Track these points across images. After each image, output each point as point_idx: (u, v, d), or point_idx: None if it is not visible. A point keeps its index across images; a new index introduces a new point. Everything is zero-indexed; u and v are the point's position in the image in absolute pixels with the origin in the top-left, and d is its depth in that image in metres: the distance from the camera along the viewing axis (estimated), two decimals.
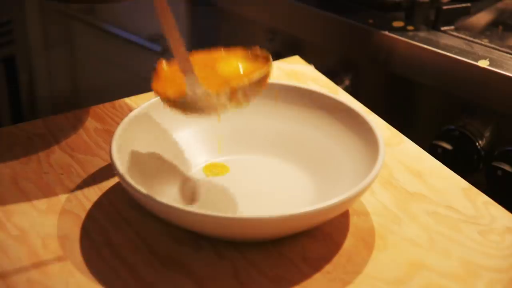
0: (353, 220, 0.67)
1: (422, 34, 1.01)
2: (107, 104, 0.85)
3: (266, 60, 0.66)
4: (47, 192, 0.69)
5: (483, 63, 0.92)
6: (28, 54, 1.57)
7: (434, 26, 1.03)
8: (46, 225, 0.65)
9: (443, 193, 0.71)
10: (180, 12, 1.40)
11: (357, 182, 0.65)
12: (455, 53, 0.95)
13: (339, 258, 0.62)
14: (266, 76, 0.64)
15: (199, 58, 0.67)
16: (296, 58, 0.97)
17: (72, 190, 0.70)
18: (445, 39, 1.00)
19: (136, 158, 0.68)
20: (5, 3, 1.51)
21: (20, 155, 0.75)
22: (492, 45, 0.98)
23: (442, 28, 1.03)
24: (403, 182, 0.72)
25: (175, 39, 0.62)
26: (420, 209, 0.68)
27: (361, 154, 0.69)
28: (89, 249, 0.62)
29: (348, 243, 0.64)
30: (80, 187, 0.70)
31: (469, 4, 1.05)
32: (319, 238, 0.64)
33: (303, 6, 1.11)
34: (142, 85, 1.54)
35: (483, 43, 0.99)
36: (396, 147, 0.78)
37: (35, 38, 1.57)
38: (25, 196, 0.69)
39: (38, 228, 0.65)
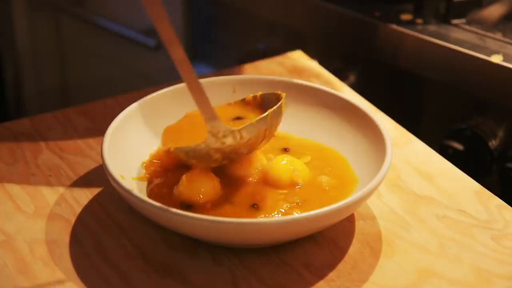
0: (359, 225, 0.67)
1: (431, 27, 1.01)
2: (98, 102, 0.85)
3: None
4: (35, 195, 0.69)
5: (496, 58, 0.93)
6: (14, 49, 1.57)
7: (445, 19, 1.03)
8: (34, 229, 0.65)
9: (454, 196, 0.71)
10: (178, 5, 1.40)
11: (363, 184, 0.65)
12: (466, 48, 0.95)
13: (344, 265, 0.62)
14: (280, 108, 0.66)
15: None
16: (299, 53, 0.97)
17: (61, 193, 0.70)
18: (456, 33, 1.00)
19: (129, 159, 0.69)
20: None
21: (6, 156, 0.75)
22: (506, 39, 0.98)
23: (453, 21, 1.03)
24: (412, 184, 0.72)
25: (196, 86, 0.61)
26: (429, 213, 0.68)
27: (367, 154, 0.69)
28: (79, 255, 0.62)
29: (354, 249, 0.64)
30: (69, 189, 0.70)
31: None
32: (322, 244, 0.64)
33: None
34: (135, 82, 1.54)
35: (496, 37, 0.99)
36: (404, 148, 0.78)
37: (21, 32, 1.57)
38: (11, 199, 0.69)
39: (25, 233, 0.65)
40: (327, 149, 0.73)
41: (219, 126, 0.62)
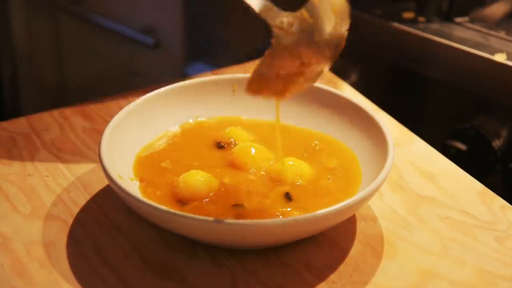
0: (360, 226, 0.67)
1: (434, 25, 1.01)
2: (96, 101, 0.85)
3: None
4: (32, 195, 0.69)
5: (500, 57, 0.93)
6: (12, 47, 1.57)
7: (447, 17, 1.03)
8: (31, 231, 0.65)
9: (457, 196, 0.71)
10: (178, 3, 1.40)
11: (364, 184, 0.65)
12: (469, 46, 0.95)
13: (345, 267, 0.62)
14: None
15: None
16: None
17: (58, 194, 0.70)
18: (459, 31, 1.00)
19: (127, 159, 0.69)
20: None
21: (2, 156, 0.75)
22: (509, 38, 0.98)
23: (456, 20, 1.03)
24: (414, 184, 0.72)
25: None
26: (432, 214, 0.68)
27: (368, 154, 0.69)
28: (76, 256, 0.62)
29: (355, 251, 0.64)
30: (67, 190, 0.70)
31: None
32: (323, 245, 0.64)
33: None
34: (133, 81, 1.54)
35: (499, 35, 0.99)
36: (406, 147, 0.78)
37: (18, 31, 1.57)
38: (8, 200, 0.69)
39: (21, 234, 0.65)
40: (334, 141, 0.73)
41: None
